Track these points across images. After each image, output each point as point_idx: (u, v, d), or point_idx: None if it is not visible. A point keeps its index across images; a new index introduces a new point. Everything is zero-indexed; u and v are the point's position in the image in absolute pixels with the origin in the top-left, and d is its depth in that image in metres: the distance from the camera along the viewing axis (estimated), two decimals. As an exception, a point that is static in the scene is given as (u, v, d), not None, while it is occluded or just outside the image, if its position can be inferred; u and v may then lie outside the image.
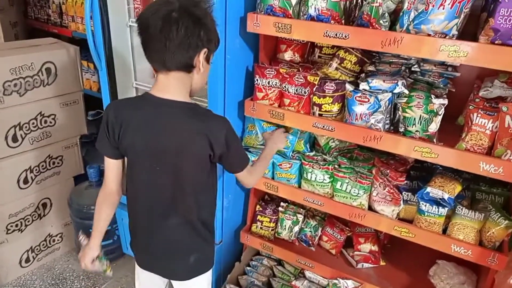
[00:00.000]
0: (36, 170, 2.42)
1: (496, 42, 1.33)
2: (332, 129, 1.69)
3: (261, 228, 2.20)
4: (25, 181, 2.38)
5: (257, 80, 1.85)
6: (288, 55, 1.95)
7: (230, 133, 1.35)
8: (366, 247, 2.05)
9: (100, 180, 2.50)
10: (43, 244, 2.60)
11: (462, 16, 1.36)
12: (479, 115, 1.49)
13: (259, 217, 2.20)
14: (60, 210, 2.62)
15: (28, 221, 2.47)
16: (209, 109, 1.45)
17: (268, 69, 1.82)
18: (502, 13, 1.29)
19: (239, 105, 1.96)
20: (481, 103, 1.54)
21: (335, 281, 1.97)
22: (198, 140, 1.30)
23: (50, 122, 2.42)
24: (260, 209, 2.22)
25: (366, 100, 1.58)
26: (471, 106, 1.53)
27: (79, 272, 2.58)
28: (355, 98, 1.61)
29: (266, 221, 2.18)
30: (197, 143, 1.30)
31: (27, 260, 2.55)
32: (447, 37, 1.38)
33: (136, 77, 2.27)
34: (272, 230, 2.20)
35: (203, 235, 1.49)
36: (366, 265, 2.01)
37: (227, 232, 2.22)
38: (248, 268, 2.29)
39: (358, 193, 1.79)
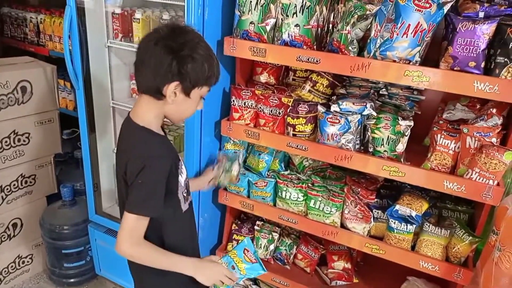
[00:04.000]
0: (7, 189, 2.37)
1: (455, 68, 1.43)
2: (305, 149, 1.74)
3: (236, 247, 2.20)
4: (-5, 200, 2.33)
5: (233, 101, 1.90)
6: (263, 78, 2.02)
7: (146, 169, 1.23)
8: (340, 264, 2.08)
9: (74, 200, 2.47)
10: (12, 266, 2.52)
11: (424, 44, 1.46)
12: (443, 136, 1.58)
13: (235, 236, 2.21)
14: (31, 230, 2.55)
15: (-3, 242, 2.40)
16: (153, 142, 1.31)
17: (244, 91, 1.88)
18: (459, 42, 1.40)
19: (215, 125, 2.00)
20: (444, 125, 1.64)
21: (310, 299, 2.00)
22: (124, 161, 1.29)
23: (24, 141, 2.39)
24: (236, 228, 2.24)
25: (337, 121, 1.66)
26: (435, 128, 1.62)
27: (49, 295, 2.51)
28: (327, 119, 1.68)
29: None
30: (123, 164, 1.30)
31: (-6, 283, 2.46)
32: (411, 63, 1.47)
33: (113, 97, 2.29)
34: (247, 249, 2.21)
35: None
36: (339, 282, 2.04)
37: (203, 251, 2.21)
38: (224, 287, 2.28)
39: (331, 211, 1.84)
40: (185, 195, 1.41)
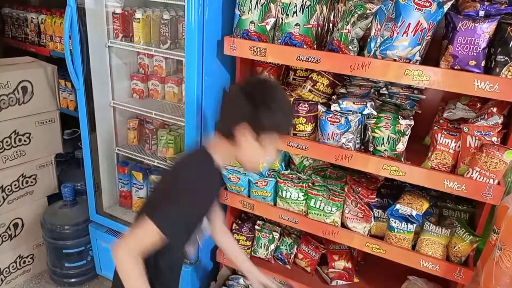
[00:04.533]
0: (8, 189, 2.37)
1: (455, 67, 1.43)
2: (305, 148, 1.74)
3: (237, 246, 2.21)
4: (-4, 200, 2.33)
5: (233, 100, 1.90)
6: (264, 77, 2.02)
7: (192, 193, 1.21)
8: (340, 264, 2.08)
9: (75, 199, 2.47)
10: (13, 266, 2.52)
11: (424, 43, 1.46)
12: (443, 135, 1.58)
13: (235, 235, 2.21)
14: (32, 230, 2.56)
15: (-2, 242, 2.41)
16: (211, 172, 1.31)
17: (244, 90, 1.87)
18: (459, 41, 1.40)
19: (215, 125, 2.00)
20: (444, 124, 1.64)
21: (310, 298, 1.99)
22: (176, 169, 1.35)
23: (25, 141, 2.40)
24: (237, 227, 2.24)
25: (337, 120, 1.66)
26: (435, 127, 1.62)
27: (50, 294, 2.51)
28: (327, 118, 1.68)
29: (243, 240, 2.20)
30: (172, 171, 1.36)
31: (-5, 283, 2.46)
32: (411, 62, 1.47)
33: (114, 97, 2.29)
34: (248, 248, 2.21)
35: None
36: (340, 282, 2.04)
37: (204, 251, 2.22)
38: (224, 287, 2.28)
39: (331, 210, 1.84)
40: (197, 238, 1.39)
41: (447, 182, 1.54)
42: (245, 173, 2.01)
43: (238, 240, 2.20)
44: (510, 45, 1.36)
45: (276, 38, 1.70)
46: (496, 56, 1.39)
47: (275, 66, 2.01)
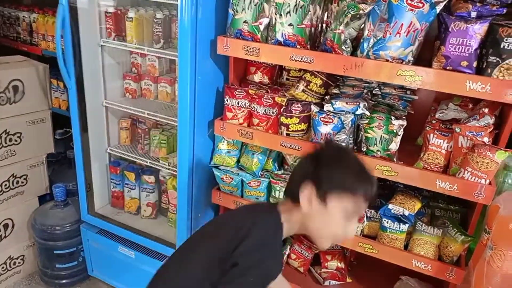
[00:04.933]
0: (-2, 189, 2.35)
1: (448, 68, 1.44)
2: (299, 148, 1.74)
3: (230, 247, 2.20)
4: (-14, 201, 2.31)
5: (227, 100, 1.89)
6: (257, 77, 2.02)
7: (252, 253, 1.15)
8: (333, 264, 2.09)
9: (66, 200, 2.45)
10: (3, 268, 2.49)
11: (416, 43, 1.47)
12: (435, 135, 1.59)
13: (228, 236, 2.20)
14: (22, 231, 2.53)
15: (-13, 244, 2.38)
16: (270, 239, 1.21)
17: (237, 90, 1.87)
18: (451, 41, 1.41)
19: (209, 125, 2.00)
20: (437, 124, 1.65)
21: (303, 299, 1.99)
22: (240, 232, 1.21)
23: (16, 141, 2.37)
24: (230, 228, 2.23)
25: (330, 120, 1.66)
26: (428, 127, 1.63)
27: (41, 296, 2.49)
28: (320, 118, 1.68)
29: (236, 240, 2.19)
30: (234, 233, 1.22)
31: (-15, 285, 2.43)
32: (404, 62, 1.48)
33: (106, 96, 2.27)
34: (241, 249, 2.21)
35: None
36: (333, 282, 2.04)
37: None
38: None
39: (324, 211, 1.84)
40: None
41: (439, 182, 1.55)
42: (238, 173, 2.00)
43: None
44: (501, 46, 1.37)
45: (269, 38, 1.69)
46: (488, 57, 1.40)
47: (269, 66, 2.01)
